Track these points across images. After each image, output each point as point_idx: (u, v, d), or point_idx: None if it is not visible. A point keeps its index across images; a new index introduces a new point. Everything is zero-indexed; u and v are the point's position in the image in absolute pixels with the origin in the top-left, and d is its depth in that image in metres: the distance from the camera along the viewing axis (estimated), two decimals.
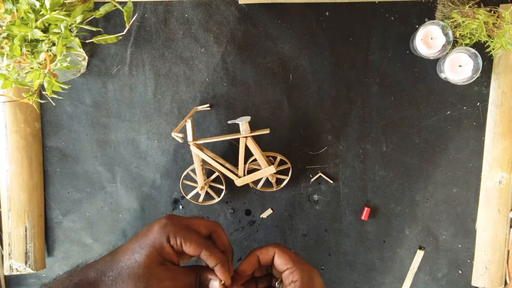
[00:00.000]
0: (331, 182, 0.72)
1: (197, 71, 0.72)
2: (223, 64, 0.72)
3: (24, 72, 0.55)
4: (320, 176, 0.73)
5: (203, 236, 0.48)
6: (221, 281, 0.47)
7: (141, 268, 0.44)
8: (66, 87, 0.60)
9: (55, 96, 0.59)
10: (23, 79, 0.56)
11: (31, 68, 0.55)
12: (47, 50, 0.55)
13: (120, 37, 0.60)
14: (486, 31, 0.65)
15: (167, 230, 0.45)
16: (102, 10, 0.56)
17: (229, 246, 0.51)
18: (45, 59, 0.54)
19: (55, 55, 0.55)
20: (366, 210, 0.72)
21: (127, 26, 0.56)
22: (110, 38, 0.58)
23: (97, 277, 0.45)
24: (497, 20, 0.65)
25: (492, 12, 0.66)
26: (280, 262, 0.47)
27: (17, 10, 0.51)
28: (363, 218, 0.72)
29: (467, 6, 0.66)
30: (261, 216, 0.74)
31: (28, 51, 0.54)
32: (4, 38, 0.53)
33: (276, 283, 0.50)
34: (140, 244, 0.45)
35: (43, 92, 0.59)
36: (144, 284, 0.44)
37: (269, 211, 0.74)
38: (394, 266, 0.74)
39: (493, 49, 0.66)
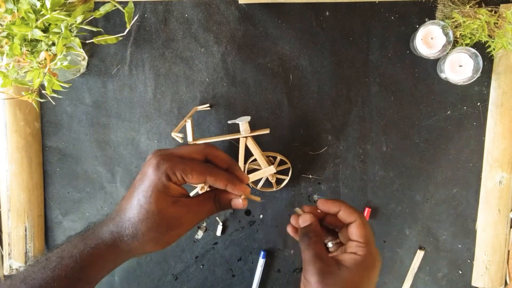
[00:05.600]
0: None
1: (197, 71, 0.72)
2: (223, 64, 0.72)
3: (23, 71, 0.55)
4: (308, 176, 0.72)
5: (201, 161, 0.45)
6: (240, 195, 0.46)
7: (156, 216, 0.42)
8: (66, 85, 0.60)
9: (55, 95, 0.59)
10: (23, 78, 0.56)
11: (31, 68, 0.55)
12: (47, 50, 0.55)
13: (120, 38, 0.60)
14: (487, 31, 0.65)
15: (163, 169, 0.42)
16: (102, 10, 0.56)
17: (230, 159, 0.47)
18: (45, 58, 0.54)
19: (55, 55, 0.55)
20: (367, 211, 0.72)
21: (128, 27, 0.56)
22: (110, 39, 0.58)
23: (114, 239, 0.43)
24: (498, 20, 0.65)
25: (493, 12, 0.66)
26: (356, 233, 0.44)
27: (17, 10, 0.51)
28: None
29: (467, 6, 0.66)
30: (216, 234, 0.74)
31: (28, 50, 0.54)
32: (3, 37, 0.53)
33: (330, 243, 0.48)
34: (143, 193, 0.42)
35: (43, 92, 0.58)
36: (165, 229, 0.43)
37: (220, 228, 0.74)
38: (394, 266, 0.74)
39: (494, 49, 0.66)
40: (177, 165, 0.43)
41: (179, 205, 0.44)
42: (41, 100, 0.67)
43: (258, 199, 0.48)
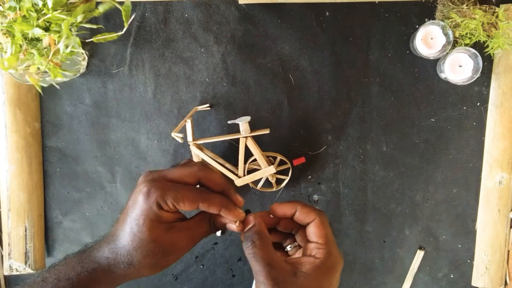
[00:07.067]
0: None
1: (197, 71, 0.72)
2: (223, 64, 0.72)
3: (23, 66, 0.56)
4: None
5: (193, 186, 0.44)
6: (235, 221, 0.45)
7: (151, 244, 0.42)
8: (71, 73, 0.59)
9: (57, 86, 0.58)
10: (25, 72, 0.56)
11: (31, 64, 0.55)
12: (51, 35, 0.54)
13: (120, 36, 0.60)
14: (485, 30, 0.65)
15: (154, 198, 0.41)
16: (101, 9, 0.56)
17: (224, 182, 0.46)
18: (49, 45, 0.54)
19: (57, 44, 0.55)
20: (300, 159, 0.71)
21: (126, 26, 0.56)
22: (110, 37, 0.58)
23: (110, 265, 0.43)
24: (495, 19, 0.65)
25: (491, 11, 0.65)
26: (314, 233, 0.42)
27: (19, 9, 0.51)
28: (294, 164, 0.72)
29: (464, 6, 0.66)
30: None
31: (28, 49, 0.55)
32: (4, 33, 0.53)
33: (289, 246, 0.47)
34: (135, 222, 0.42)
35: (47, 78, 0.58)
36: (161, 256, 0.43)
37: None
38: (394, 266, 0.74)
39: (492, 48, 0.66)
40: (168, 192, 0.41)
41: (174, 231, 0.43)
42: (44, 85, 0.64)
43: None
